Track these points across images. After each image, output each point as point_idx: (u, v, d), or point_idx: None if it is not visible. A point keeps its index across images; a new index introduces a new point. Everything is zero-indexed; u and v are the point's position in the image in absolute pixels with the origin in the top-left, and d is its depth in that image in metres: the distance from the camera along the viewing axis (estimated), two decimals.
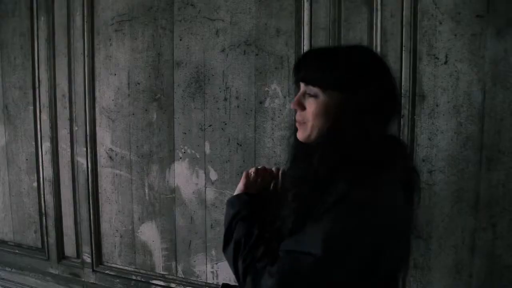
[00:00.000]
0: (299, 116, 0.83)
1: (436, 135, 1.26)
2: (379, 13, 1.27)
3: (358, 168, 0.72)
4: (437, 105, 1.25)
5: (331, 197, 0.71)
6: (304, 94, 0.82)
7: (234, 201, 0.91)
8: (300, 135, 0.84)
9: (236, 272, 0.81)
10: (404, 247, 0.84)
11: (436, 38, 1.23)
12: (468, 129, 1.22)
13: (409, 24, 1.25)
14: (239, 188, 0.95)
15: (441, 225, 1.28)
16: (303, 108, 0.82)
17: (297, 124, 0.85)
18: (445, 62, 1.23)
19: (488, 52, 1.18)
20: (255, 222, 0.84)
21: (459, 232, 1.27)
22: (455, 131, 1.23)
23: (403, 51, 1.26)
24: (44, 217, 1.96)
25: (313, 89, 0.79)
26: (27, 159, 1.97)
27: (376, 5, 1.28)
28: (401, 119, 1.28)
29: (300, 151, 0.87)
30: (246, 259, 0.79)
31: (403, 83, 1.27)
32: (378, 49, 1.28)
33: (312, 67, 0.80)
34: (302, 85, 0.83)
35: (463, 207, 1.25)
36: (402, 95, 1.27)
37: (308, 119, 0.80)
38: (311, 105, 0.80)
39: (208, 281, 1.64)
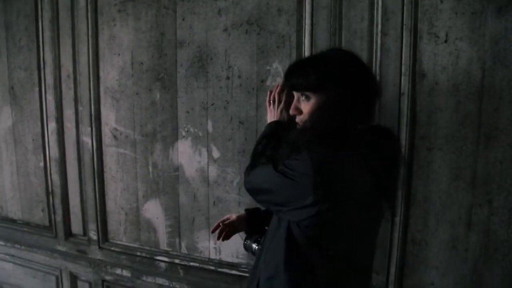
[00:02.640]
0: (298, 119, 0.99)
1: (435, 113, 1.27)
2: None
3: (319, 143, 0.87)
4: (436, 83, 1.26)
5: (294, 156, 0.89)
6: (299, 99, 0.98)
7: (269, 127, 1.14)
8: None
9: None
10: (352, 222, 0.93)
11: (437, 16, 1.24)
12: (467, 107, 1.24)
13: (410, 2, 1.25)
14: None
15: (438, 201, 1.31)
16: (300, 112, 0.98)
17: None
18: (446, 41, 1.24)
19: (489, 30, 1.19)
20: (272, 139, 1.07)
21: (456, 208, 1.29)
22: (454, 109, 1.25)
23: (404, 30, 1.27)
24: (51, 196, 2.01)
25: (305, 93, 0.95)
26: (33, 139, 2.01)
27: None
28: (401, 97, 1.29)
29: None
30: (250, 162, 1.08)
31: (403, 62, 1.28)
32: (379, 27, 1.29)
33: (299, 77, 0.95)
34: (295, 92, 0.99)
35: (460, 184, 1.28)
36: (402, 73, 1.28)
37: (305, 119, 0.95)
38: (305, 107, 0.96)
39: (211, 257, 1.69)
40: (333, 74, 0.93)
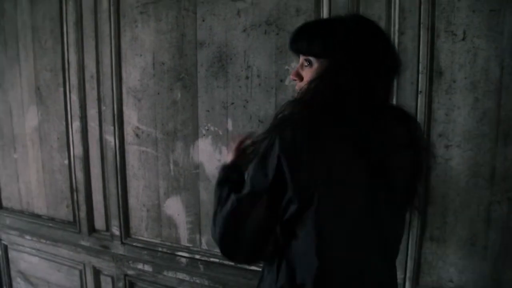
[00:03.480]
0: (297, 86, 0.92)
1: (452, 111, 1.28)
2: None
3: (295, 120, 0.80)
4: (454, 81, 1.27)
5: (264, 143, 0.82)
6: (302, 65, 0.90)
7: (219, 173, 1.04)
8: None
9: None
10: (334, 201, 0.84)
11: (455, 14, 1.25)
12: (485, 104, 1.24)
13: (427, 1, 1.27)
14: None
15: (457, 198, 1.32)
16: (301, 78, 0.91)
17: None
18: (463, 39, 1.25)
19: (507, 27, 1.19)
20: (229, 185, 0.95)
21: (474, 205, 1.30)
22: (472, 107, 1.26)
23: (421, 28, 1.28)
24: (75, 193, 2.08)
25: (308, 58, 0.87)
26: (58, 138, 2.09)
27: None
28: (418, 95, 1.31)
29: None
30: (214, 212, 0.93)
31: (420, 60, 1.29)
32: (396, 26, 1.31)
33: (303, 40, 0.88)
34: (300, 57, 0.91)
35: (479, 181, 1.29)
36: (420, 71, 1.30)
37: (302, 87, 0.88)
38: (306, 74, 0.88)
39: None
40: (340, 40, 0.84)
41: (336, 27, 0.86)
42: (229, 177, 0.98)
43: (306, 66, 0.89)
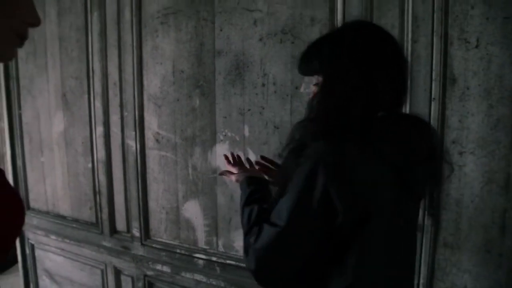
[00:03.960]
0: None
1: (466, 118, 1.29)
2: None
3: (327, 143, 0.79)
4: (467, 88, 1.28)
5: (297, 172, 0.80)
6: (315, 84, 0.93)
7: (243, 189, 1.06)
8: None
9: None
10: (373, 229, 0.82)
11: (468, 22, 1.26)
12: (499, 111, 1.25)
13: (440, 9, 1.28)
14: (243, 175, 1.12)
15: (471, 205, 1.32)
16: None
17: None
18: (477, 46, 1.26)
19: None
20: (256, 204, 0.96)
21: (489, 212, 1.30)
22: (485, 113, 1.27)
23: (434, 36, 1.30)
24: (98, 195, 2.16)
25: (312, 78, 0.91)
26: (82, 142, 2.18)
27: None
28: (432, 102, 1.32)
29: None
30: (245, 238, 0.90)
31: (433, 67, 1.31)
32: (409, 35, 1.33)
33: (303, 63, 0.92)
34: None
35: (493, 188, 1.29)
36: (433, 79, 1.31)
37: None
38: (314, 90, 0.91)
39: None
40: (333, 55, 0.84)
41: (329, 42, 0.87)
42: (254, 196, 1.00)
43: (314, 84, 0.92)
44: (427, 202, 1.02)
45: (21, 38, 0.57)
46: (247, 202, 1.00)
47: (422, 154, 0.87)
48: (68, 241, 2.33)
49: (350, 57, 0.82)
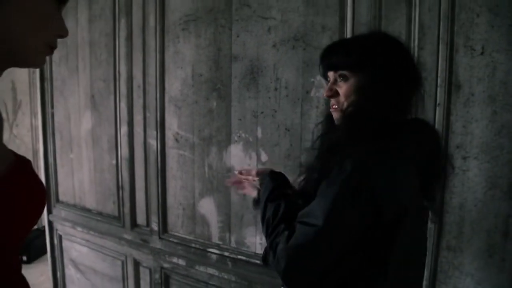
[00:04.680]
0: (334, 102, 0.95)
1: (470, 123, 1.32)
2: (417, 8, 1.36)
3: (366, 146, 0.82)
4: (472, 94, 1.31)
5: (336, 172, 0.82)
6: (335, 81, 0.94)
7: (266, 183, 1.07)
8: (337, 120, 0.96)
9: (266, 247, 0.94)
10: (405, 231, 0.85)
11: (473, 30, 1.29)
12: (503, 117, 1.27)
13: (446, 17, 1.32)
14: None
15: (474, 209, 1.35)
16: (337, 94, 0.94)
17: (332, 110, 0.97)
18: (482, 53, 1.29)
19: None
20: (281, 200, 0.97)
21: (492, 217, 1.32)
22: (489, 119, 1.29)
23: (440, 44, 1.33)
24: (120, 190, 2.29)
25: (343, 73, 0.91)
26: (108, 141, 2.32)
27: (415, 0, 1.36)
28: (437, 108, 1.36)
29: (326, 134, 1.00)
30: (270, 236, 0.91)
31: (439, 74, 1.34)
32: (416, 42, 1.37)
33: (340, 54, 0.93)
34: (331, 74, 0.96)
35: (497, 193, 1.31)
36: (438, 85, 1.35)
37: (343, 101, 0.93)
38: (342, 89, 0.92)
39: (257, 252, 1.84)
40: (376, 54, 0.89)
41: (369, 42, 0.93)
42: (277, 191, 1.01)
43: (340, 81, 0.93)
44: (430, 205, 1.05)
45: (51, 48, 0.67)
46: (270, 197, 1.00)
47: (431, 155, 0.94)
48: (92, 232, 2.47)
49: (391, 66, 0.88)
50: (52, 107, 2.59)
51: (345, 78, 0.91)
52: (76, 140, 2.49)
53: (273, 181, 1.07)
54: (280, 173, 1.15)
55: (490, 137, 1.29)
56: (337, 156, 0.85)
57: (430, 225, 1.40)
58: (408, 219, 0.83)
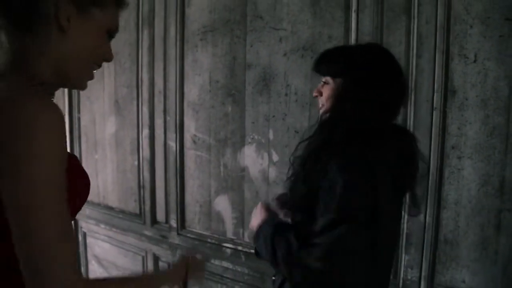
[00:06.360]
0: (319, 101, 1.09)
1: (465, 125, 1.43)
2: (415, 20, 1.48)
3: (349, 150, 0.93)
4: (466, 99, 1.42)
5: (324, 179, 0.93)
6: (322, 84, 1.07)
7: (261, 230, 1.13)
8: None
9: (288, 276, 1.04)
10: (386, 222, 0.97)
11: (467, 40, 1.41)
12: (495, 120, 1.38)
13: (442, 28, 1.44)
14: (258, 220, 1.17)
15: (469, 205, 1.45)
16: (320, 94, 1.07)
17: (319, 109, 1.09)
18: (475, 61, 1.40)
19: None
20: (283, 232, 1.04)
21: (485, 212, 1.42)
22: (482, 122, 1.40)
23: (436, 52, 1.45)
24: (142, 189, 2.45)
25: (325, 78, 1.05)
26: (130, 143, 2.49)
27: (414, 13, 1.49)
28: (434, 111, 1.48)
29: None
30: (287, 261, 0.98)
31: (435, 80, 1.46)
32: (414, 50, 1.49)
33: (324, 61, 1.07)
34: (322, 77, 1.08)
35: (489, 190, 1.41)
36: (435, 90, 1.47)
37: (324, 103, 1.06)
38: (325, 91, 1.05)
39: None
40: (356, 62, 0.98)
41: (354, 51, 1.06)
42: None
43: (325, 84, 1.06)
44: (409, 202, 1.18)
45: (98, 67, 0.77)
46: (277, 232, 1.05)
47: (409, 159, 1.05)
48: (115, 229, 2.63)
49: (377, 71, 0.98)
50: (79, 111, 2.78)
51: (326, 83, 1.04)
52: (101, 143, 2.67)
53: (273, 221, 1.12)
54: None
55: (483, 138, 1.40)
56: (318, 164, 0.95)
57: (428, 220, 1.51)
58: (382, 218, 0.95)
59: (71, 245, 0.63)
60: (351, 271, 0.94)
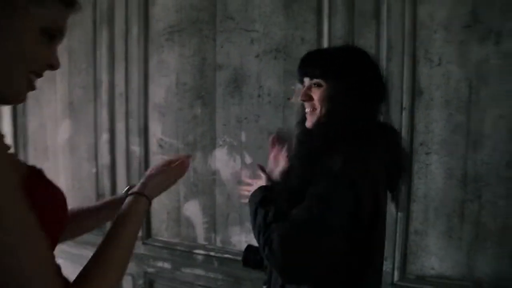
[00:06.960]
0: (308, 106, 1.06)
1: (431, 123, 1.55)
2: (385, 25, 1.58)
3: (348, 145, 0.95)
4: (432, 99, 1.54)
5: (325, 169, 0.94)
6: (310, 87, 1.05)
7: (254, 196, 1.14)
8: (310, 122, 1.07)
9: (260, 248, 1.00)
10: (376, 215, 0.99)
11: (431, 44, 1.53)
12: (457, 118, 1.51)
13: (409, 33, 1.54)
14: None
15: (436, 197, 1.56)
16: (310, 98, 1.04)
17: (307, 114, 1.07)
18: (439, 64, 1.52)
19: (474, 55, 1.47)
20: (269, 205, 1.04)
21: (450, 203, 1.54)
22: (446, 120, 1.52)
23: (405, 56, 1.56)
24: (101, 198, 2.31)
25: (317, 81, 1.02)
26: (87, 148, 2.34)
27: (383, 19, 1.58)
28: (403, 111, 1.57)
29: (304, 136, 1.11)
30: (264, 234, 0.98)
31: (404, 82, 1.56)
32: (384, 54, 1.58)
33: (316, 64, 1.04)
34: (307, 80, 1.06)
35: (454, 182, 1.53)
36: (404, 91, 1.57)
37: (317, 106, 1.03)
38: (316, 94, 1.03)
39: (242, 250, 1.95)
40: (348, 65, 1.01)
41: (343, 54, 1.06)
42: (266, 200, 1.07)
43: (314, 87, 1.03)
44: (395, 197, 1.21)
45: (37, 76, 0.63)
46: (261, 203, 1.07)
47: (397, 155, 1.10)
48: (70, 243, 2.44)
49: (368, 73, 1.02)
50: (25, 116, 2.55)
51: (319, 85, 1.02)
52: (52, 149, 2.48)
53: (262, 192, 1.13)
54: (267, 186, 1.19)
55: (447, 134, 1.52)
56: (317, 163, 0.96)
57: (400, 214, 1.60)
58: (380, 218, 1.00)
59: (46, 261, 0.56)
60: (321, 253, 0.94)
